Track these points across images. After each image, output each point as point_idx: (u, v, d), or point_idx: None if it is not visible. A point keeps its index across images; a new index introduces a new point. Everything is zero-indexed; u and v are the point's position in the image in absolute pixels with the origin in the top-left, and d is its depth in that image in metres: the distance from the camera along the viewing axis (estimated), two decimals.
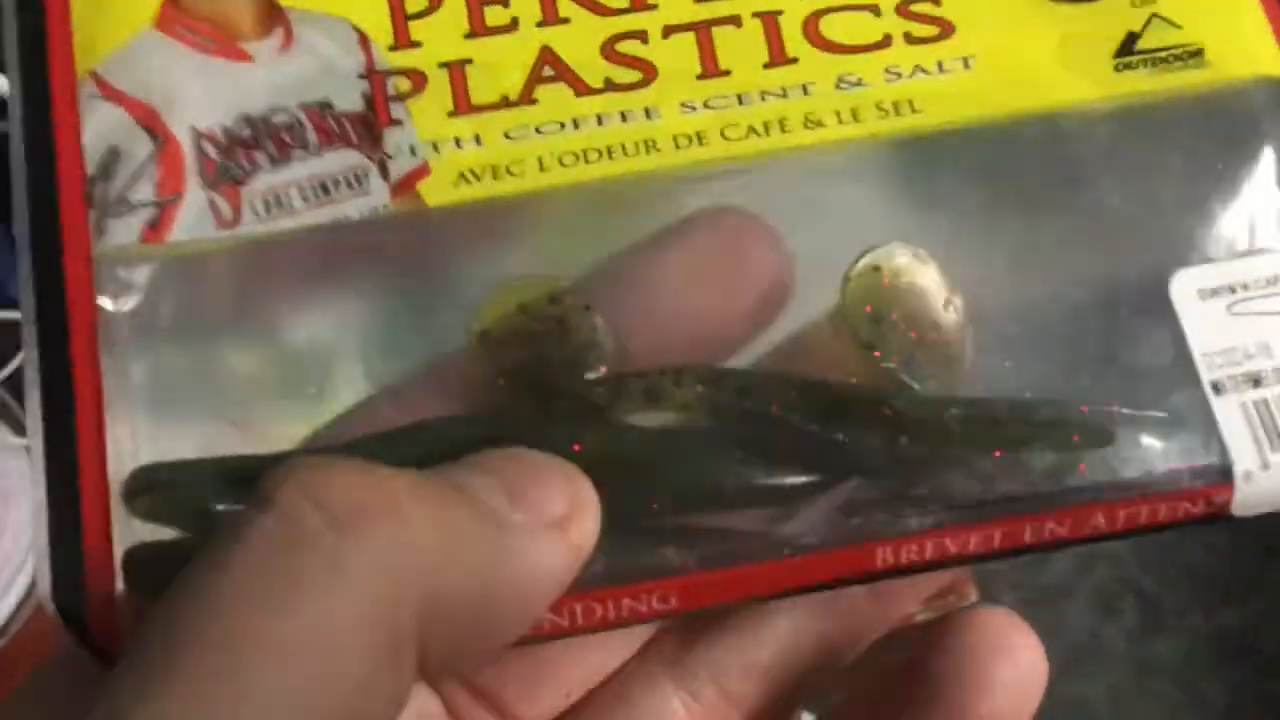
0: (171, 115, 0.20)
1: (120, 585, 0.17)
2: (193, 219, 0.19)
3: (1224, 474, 0.19)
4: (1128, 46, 0.20)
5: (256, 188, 0.19)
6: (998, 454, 0.19)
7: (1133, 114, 0.20)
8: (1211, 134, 0.21)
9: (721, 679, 0.21)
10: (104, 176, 0.19)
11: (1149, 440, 0.19)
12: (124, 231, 0.19)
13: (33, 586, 0.47)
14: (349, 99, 0.20)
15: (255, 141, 0.20)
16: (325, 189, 0.19)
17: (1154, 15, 0.20)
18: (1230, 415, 0.19)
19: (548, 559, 0.17)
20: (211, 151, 0.19)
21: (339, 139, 0.20)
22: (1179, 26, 0.20)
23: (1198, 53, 0.20)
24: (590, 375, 0.19)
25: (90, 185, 0.19)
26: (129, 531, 0.18)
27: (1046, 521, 0.19)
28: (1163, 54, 0.20)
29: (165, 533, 0.18)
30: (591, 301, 0.19)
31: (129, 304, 0.19)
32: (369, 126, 0.20)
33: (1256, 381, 0.19)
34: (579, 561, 0.17)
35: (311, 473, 0.15)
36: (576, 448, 0.18)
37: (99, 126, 0.19)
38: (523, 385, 0.19)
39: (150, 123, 0.19)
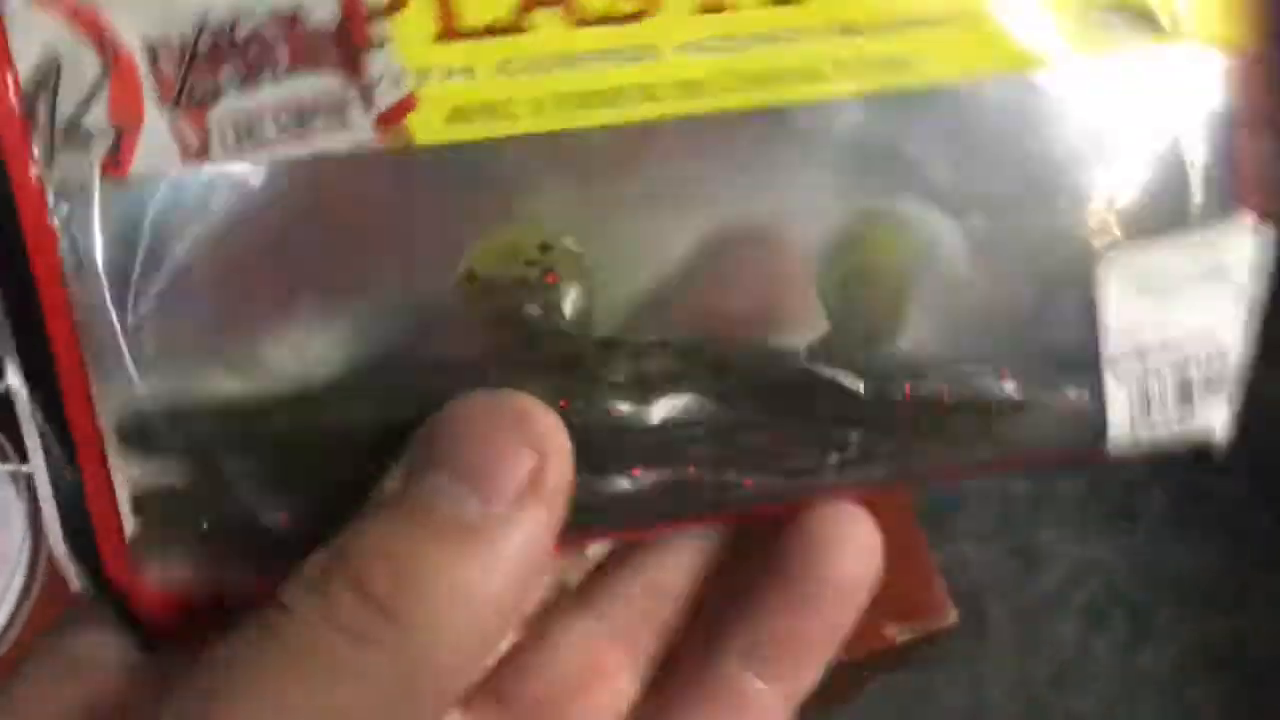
0: (119, 20, 0.17)
1: (130, 527, 0.18)
2: (156, 149, 0.17)
3: (1100, 442, 0.21)
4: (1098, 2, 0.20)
5: (223, 113, 0.17)
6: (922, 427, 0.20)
7: (1088, 78, 0.20)
8: (1161, 105, 0.20)
9: (629, 601, 0.22)
10: (44, 91, 0.17)
11: (1052, 407, 0.20)
12: (79, 164, 0.17)
13: (14, 615, 0.47)
14: (323, 9, 0.17)
15: (219, 56, 0.17)
16: (301, 118, 0.17)
17: None
18: (1119, 390, 0.20)
19: (530, 531, 0.17)
20: (168, 67, 0.17)
21: (313, 60, 0.17)
22: None
23: (1161, 15, 0.20)
24: (573, 328, 0.18)
25: (28, 101, 0.17)
26: (131, 474, 0.18)
27: (957, 476, 0.21)
28: (1129, 10, 0.20)
29: (167, 474, 0.18)
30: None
31: (96, 246, 0.17)
32: (347, 45, 0.17)
33: (1143, 357, 0.20)
34: (561, 512, 0.18)
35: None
36: (564, 404, 0.18)
37: (29, 30, 0.17)
38: (507, 333, 0.18)
39: (93, 30, 0.17)
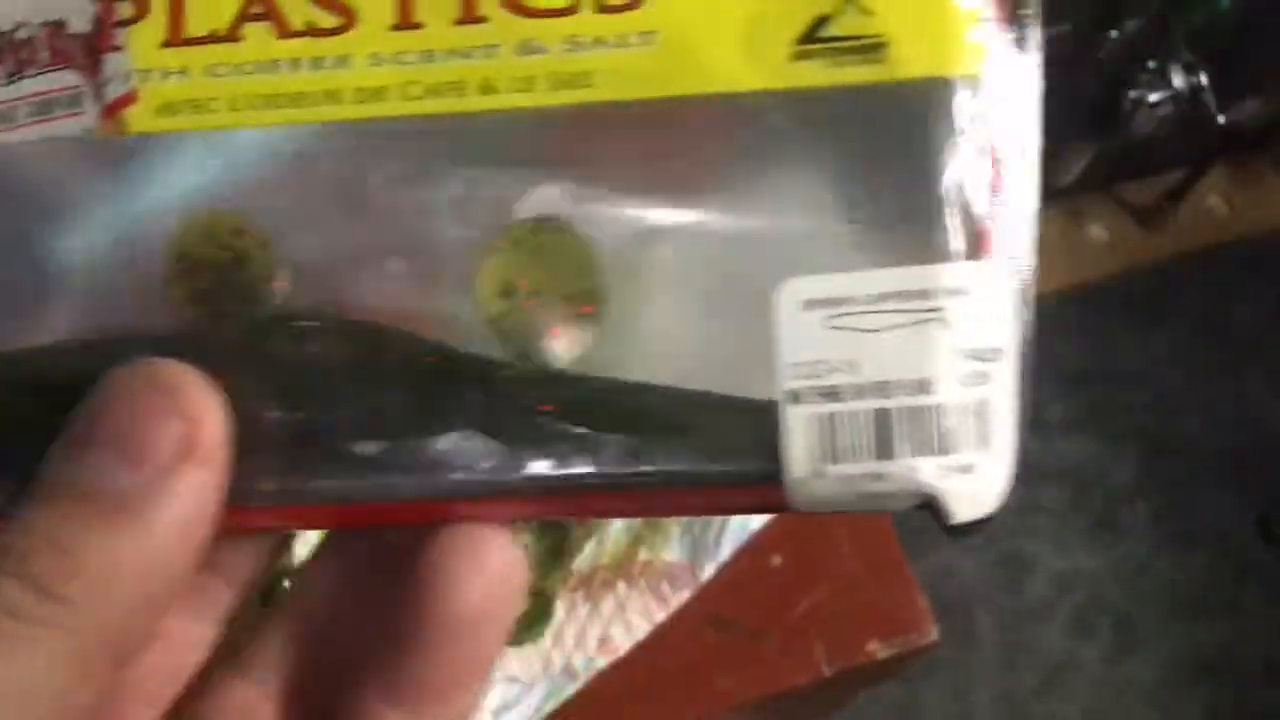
0: None
1: None
2: None
3: (775, 476, 0.19)
4: (812, 33, 0.19)
5: None
6: (578, 430, 0.20)
7: (796, 109, 0.20)
8: (873, 137, 0.20)
9: (285, 655, 0.22)
10: None
11: (719, 434, 0.20)
12: None
13: None
14: (82, 20, 0.20)
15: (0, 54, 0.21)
16: (47, 107, 0.20)
17: None
18: (798, 425, 0.19)
19: (185, 497, 0.18)
20: None
21: (65, 59, 0.20)
22: (871, 14, 0.19)
23: (879, 46, 0.19)
24: (261, 310, 0.20)
25: None
26: None
27: (615, 500, 0.20)
28: (845, 44, 0.19)
29: None
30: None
31: None
32: (92, 49, 0.20)
33: (833, 396, 0.19)
34: (218, 477, 0.18)
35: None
36: (229, 381, 0.19)
37: None
38: (202, 310, 0.20)
39: None
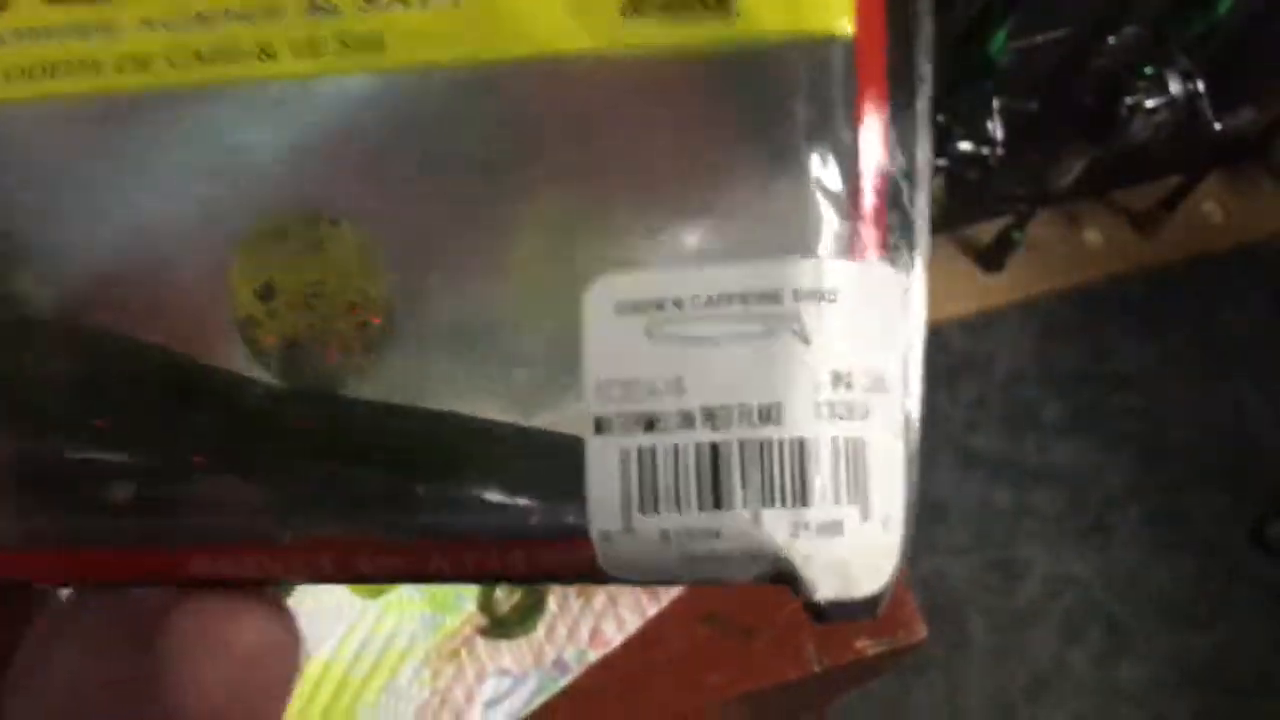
0: None
1: None
2: None
3: (580, 530, 0.15)
4: None
5: None
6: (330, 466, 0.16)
7: (629, 73, 0.16)
8: (719, 105, 0.16)
9: None
10: None
11: (507, 476, 0.16)
12: None
13: None
14: None
15: None
16: None
17: None
18: (605, 462, 0.15)
19: None
20: None
21: None
22: None
23: (724, 1, 0.16)
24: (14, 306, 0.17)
25: None
26: None
27: (379, 555, 0.16)
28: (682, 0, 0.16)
29: None
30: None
31: None
32: None
33: (651, 424, 0.15)
34: None
35: None
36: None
37: None
38: None
39: None
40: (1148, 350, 1.18)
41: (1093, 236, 1.20)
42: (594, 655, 0.52)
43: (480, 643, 0.52)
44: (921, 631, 0.51)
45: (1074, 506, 1.13)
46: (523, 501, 0.15)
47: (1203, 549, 1.11)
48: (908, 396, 0.15)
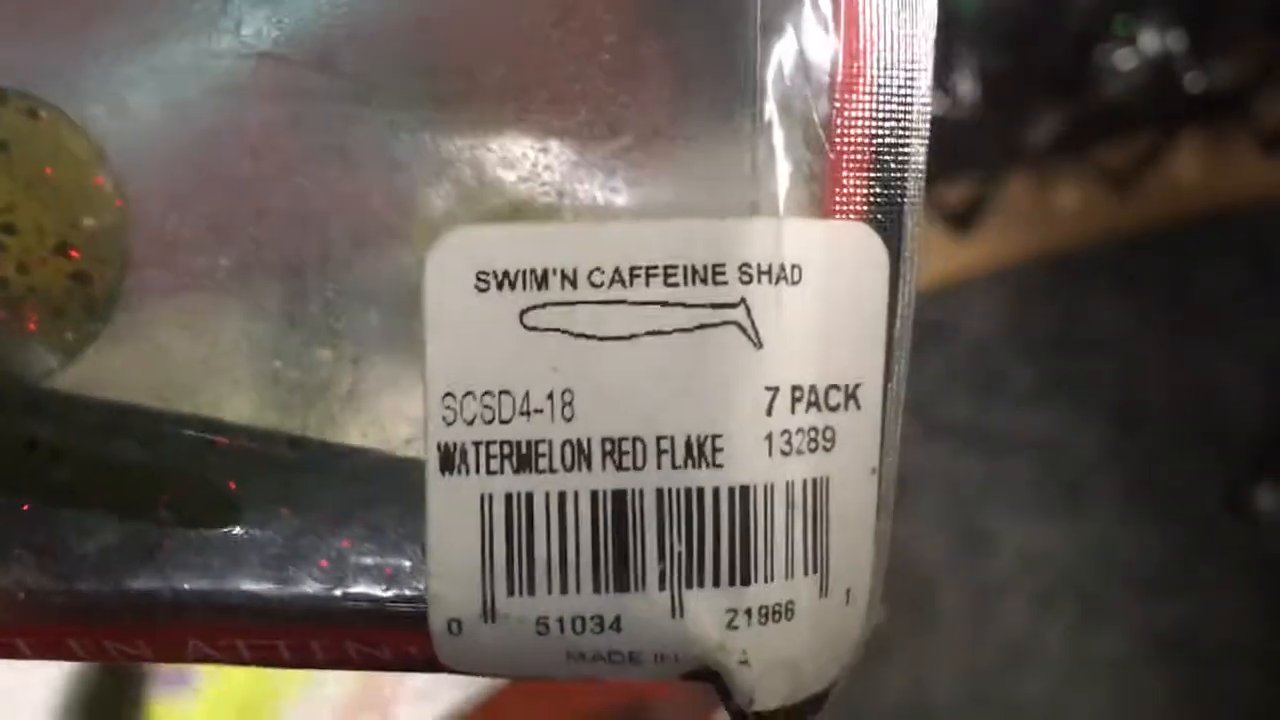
0: None
1: None
2: None
3: (412, 615, 0.10)
4: None
5: None
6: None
7: None
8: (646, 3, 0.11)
9: None
10: None
11: (292, 515, 0.10)
12: None
13: None
14: None
15: None
16: None
17: None
18: (456, 513, 0.10)
19: None
20: None
21: None
22: None
23: None
24: None
25: None
26: None
27: (133, 639, 0.11)
28: None
29: None
30: None
31: None
32: None
33: (525, 460, 0.10)
34: None
35: None
36: None
37: None
38: None
39: None
40: (1122, 315, 1.17)
41: (1066, 198, 1.18)
42: None
43: None
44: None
45: (1045, 477, 1.12)
46: (317, 560, 0.10)
47: (1174, 520, 1.11)
48: (887, 415, 0.11)
